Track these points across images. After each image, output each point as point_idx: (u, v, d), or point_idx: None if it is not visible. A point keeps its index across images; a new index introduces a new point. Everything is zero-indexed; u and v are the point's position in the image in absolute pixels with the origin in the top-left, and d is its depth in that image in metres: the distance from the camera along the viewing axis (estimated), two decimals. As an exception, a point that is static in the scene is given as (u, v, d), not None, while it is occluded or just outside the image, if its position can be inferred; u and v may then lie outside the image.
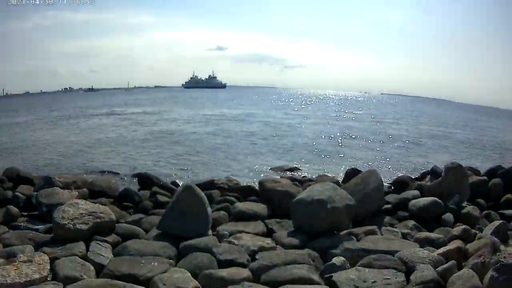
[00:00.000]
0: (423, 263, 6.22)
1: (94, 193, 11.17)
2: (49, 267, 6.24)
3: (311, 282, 5.99)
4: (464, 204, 10.17)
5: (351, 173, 13.18)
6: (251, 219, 9.30)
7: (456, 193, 10.15)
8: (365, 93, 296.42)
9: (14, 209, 9.44)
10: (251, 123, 40.59)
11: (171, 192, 11.37)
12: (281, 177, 14.56)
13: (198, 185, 9.62)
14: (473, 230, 8.08)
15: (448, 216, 9.40)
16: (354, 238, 7.87)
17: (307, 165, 19.92)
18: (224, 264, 6.69)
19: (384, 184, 11.30)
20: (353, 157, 22.83)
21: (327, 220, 8.02)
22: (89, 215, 7.81)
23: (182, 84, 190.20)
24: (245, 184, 13.18)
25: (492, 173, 12.81)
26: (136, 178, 14.33)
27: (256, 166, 19.36)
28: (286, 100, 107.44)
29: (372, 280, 5.82)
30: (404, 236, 8.31)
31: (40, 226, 8.71)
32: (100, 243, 7.34)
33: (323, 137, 31.63)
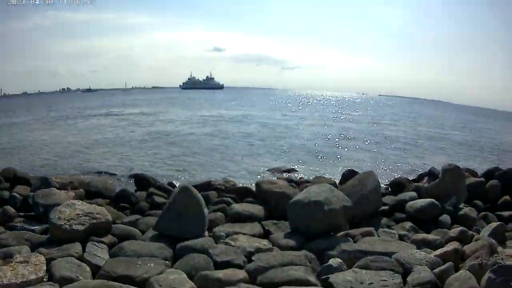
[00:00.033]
0: (420, 265, 6.21)
1: (90, 194, 11.12)
2: (45, 268, 6.21)
3: (307, 283, 5.97)
4: (461, 206, 10.16)
5: (348, 175, 13.18)
6: (248, 220, 9.27)
7: (453, 195, 10.14)
8: (363, 94, 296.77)
9: (11, 210, 9.41)
10: (248, 124, 40.58)
11: (168, 193, 11.34)
12: (278, 178, 14.57)
13: (194, 186, 9.58)
14: (470, 232, 8.07)
15: (445, 218, 9.39)
16: (351, 239, 7.84)
17: (304, 166, 19.92)
18: (221, 265, 6.66)
19: (381, 185, 11.28)
20: (350, 158, 22.86)
21: (324, 221, 8.00)
22: (85, 215, 7.77)
23: (180, 85, 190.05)
24: (242, 185, 13.19)
25: (489, 174, 12.80)
26: (133, 179, 14.29)
27: (253, 167, 19.35)
28: (284, 101, 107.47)
29: (369, 282, 5.81)
30: (401, 237, 8.30)
31: (36, 227, 8.65)
32: (97, 244, 7.31)
33: (320, 138, 31.66)
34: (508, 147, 31.81)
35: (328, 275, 6.06)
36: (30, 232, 8.07)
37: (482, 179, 12.41)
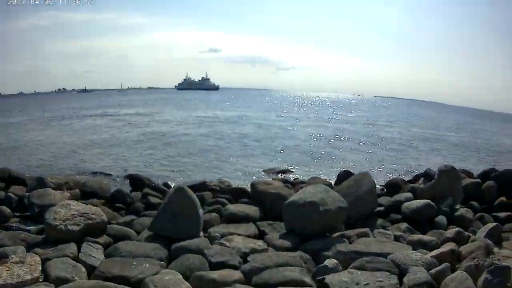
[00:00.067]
0: (416, 266, 6.22)
1: (86, 194, 11.08)
2: (40, 268, 6.18)
3: (303, 284, 5.97)
4: (457, 207, 10.17)
5: (344, 176, 13.20)
6: (243, 221, 9.26)
7: (449, 196, 10.17)
8: (358, 95, 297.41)
9: (6, 210, 9.42)
10: (243, 125, 40.57)
11: (163, 193, 11.32)
12: (273, 179, 14.56)
13: (190, 186, 9.56)
14: (467, 233, 8.11)
15: (441, 219, 9.41)
16: (346, 240, 7.84)
17: (299, 167, 19.92)
18: (216, 266, 6.65)
19: (377, 186, 11.29)
20: (346, 159, 22.87)
21: (319, 222, 8.00)
22: (80, 216, 7.75)
23: (175, 86, 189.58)
24: (237, 186, 13.17)
25: (485, 175, 12.80)
26: (128, 180, 14.26)
27: (248, 168, 19.33)
28: (279, 102, 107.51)
29: (365, 283, 5.81)
30: (397, 238, 8.30)
31: (32, 227, 8.66)
32: (92, 244, 7.29)
33: (316, 139, 31.67)
34: (504, 148, 31.97)
35: (324, 276, 6.06)
36: (26, 232, 8.05)
37: (478, 180, 12.43)
